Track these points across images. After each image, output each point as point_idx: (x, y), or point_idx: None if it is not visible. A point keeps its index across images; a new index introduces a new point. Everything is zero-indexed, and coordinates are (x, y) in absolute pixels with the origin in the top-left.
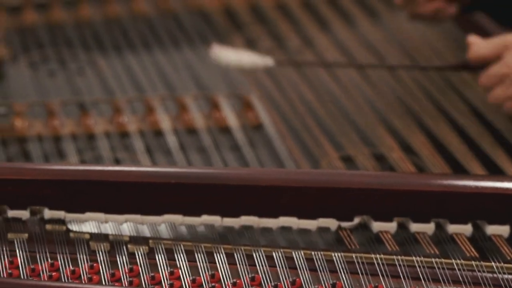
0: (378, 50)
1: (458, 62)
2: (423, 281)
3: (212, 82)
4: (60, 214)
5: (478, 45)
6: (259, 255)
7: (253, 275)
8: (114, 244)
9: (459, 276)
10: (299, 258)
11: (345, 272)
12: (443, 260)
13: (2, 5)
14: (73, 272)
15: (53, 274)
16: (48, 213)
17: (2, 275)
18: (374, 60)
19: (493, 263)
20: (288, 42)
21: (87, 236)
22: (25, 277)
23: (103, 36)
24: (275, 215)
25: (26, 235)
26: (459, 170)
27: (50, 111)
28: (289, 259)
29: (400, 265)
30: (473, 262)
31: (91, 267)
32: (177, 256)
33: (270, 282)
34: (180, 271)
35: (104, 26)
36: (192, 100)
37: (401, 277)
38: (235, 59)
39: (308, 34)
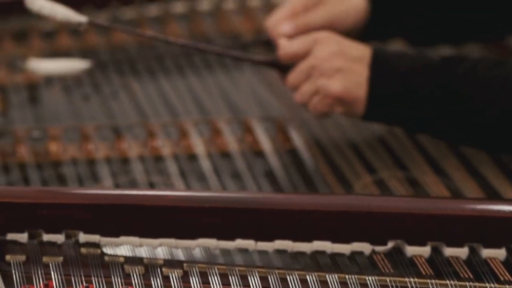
0: None
1: (268, 59)
2: None
3: (245, 106)
4: (95, 238)
5: (289, 43)
6: (292, 278)
7: None
8: (149, 267)
9: None
10: (333, 281)
11: None
12: (477, 284)
13: (37, 30)
14: None
15: None
16: (83, 237)
17: None
18: None
19: None
20: None
21: (122, 260)
22: None
23: (137, 59)
24: (308, 239)
25: (61, 258)
26: (492, 194)
27: (84, 135)
28: (323, 282)
29: None
30: (507, 286)
31: None
32: (211, 279)
33: None
34: None
35: (137, 50)
36: (226, 123)
37: None
38: (48, 8)
39: None
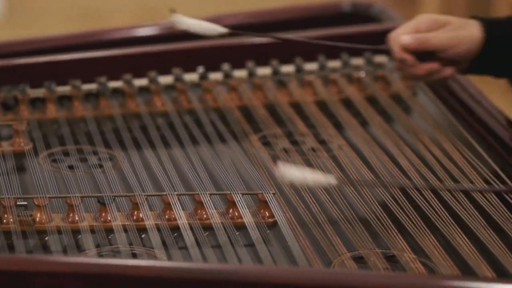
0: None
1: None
2: None
3: (228, 180)
4: None
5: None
6: None
7: None
8: None
9: None
10: None
11: None
12: None
13: (26, 99)
14: None
15: None
16: None
17: None
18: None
19: None
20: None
21: None
22: None
23: (122, 130)
24: None
25: None
26: (469, 273)
27: (70, 205)
28: None
29: None
30: None
31: None
32: None
33: None
34: None
35: (123, 120)
36: (208, 197)
37: None
38: (299, 176)
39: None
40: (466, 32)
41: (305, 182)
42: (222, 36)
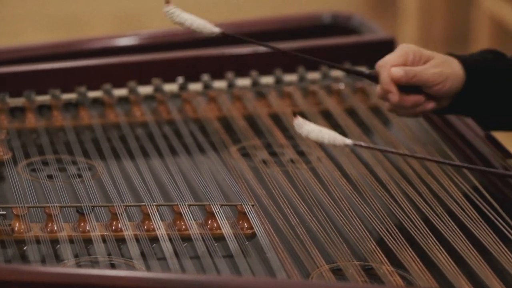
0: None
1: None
2: None
3: (207, 191)
4: None
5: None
6: None
7: None
8: None
9: None
10: None
11: None
12: None
13: (5, 108)
14: None
15: None
16: None
17: None
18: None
19: None
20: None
21: None
22: None
23: (102, 140)
24: None
25: None
26: (447, 287)
27: (49, 214)
28: None
29: None
30: None
31: None
32: None
33: None
34: None
35: (103, 132)
36: (187, 208)
37: None
38: (316, 132)
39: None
40: (451, 69)
41: (321, 137)
42: (212, 36)
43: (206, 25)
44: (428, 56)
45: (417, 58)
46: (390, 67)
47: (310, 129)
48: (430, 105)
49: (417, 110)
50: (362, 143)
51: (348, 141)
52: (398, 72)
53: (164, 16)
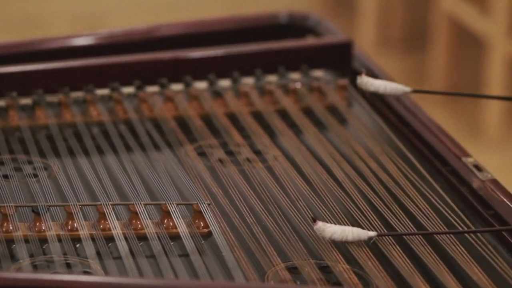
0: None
1: None
2: None
3: (163, 190)
4: None
5: None
6: None
7: None
8: None
9: None
10: None
11: None
12: None
13: None
14: None
15: None
16: None
17: None
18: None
19: None
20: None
21: None
22: None
23: (58, 141)
24: None
25: None
26: (403, 284)
27: (4, 214)
28: None
29: None
30: None
31: None
32: None
33: None
34: None
35: (59, 131)
36: (143, 207)
37: None
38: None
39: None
40: None
41: (345, 236)
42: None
43: (397, 88)
44: None
45: None
46: None
47: (333, 231)
48: None
49: None
50: (387, 233)
51: (371, 233)
52: None
53: (123, 17)
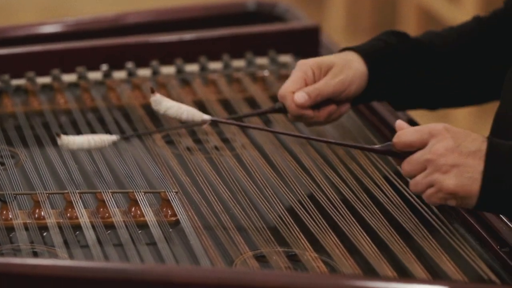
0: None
1: (383, 147)
2: None
3: (130, 178)
4: None
5: (404, 132)
6: None
7: None
8: None
9: None
10: None
11: None
12: None
13: None
14: None
15: None
16: None
17: None
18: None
19: None
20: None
21: None
22: None
23: (25, 129)
24: None
25: None
26: (370, 272)
27: None
28: None
29: None
30: None
31: None
32: None
33: None
34: None
35: (26, 119)
36: (111, 195)
37: None
38: (175, 109)
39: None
40: (352, 71)
41: (180, 113)
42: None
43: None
44: (328, 65)
45: (317, 72)
46: (291, 95)
47: (169, 106)
48: (345, 108)
49: (333, 117)
50: (221, 119)
51: (206, 116)
52: (301, 97)
53: (88, 7)
